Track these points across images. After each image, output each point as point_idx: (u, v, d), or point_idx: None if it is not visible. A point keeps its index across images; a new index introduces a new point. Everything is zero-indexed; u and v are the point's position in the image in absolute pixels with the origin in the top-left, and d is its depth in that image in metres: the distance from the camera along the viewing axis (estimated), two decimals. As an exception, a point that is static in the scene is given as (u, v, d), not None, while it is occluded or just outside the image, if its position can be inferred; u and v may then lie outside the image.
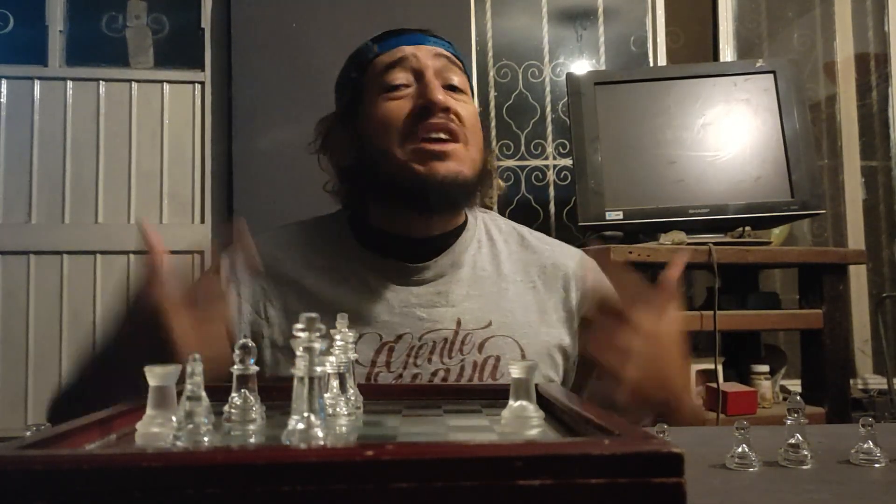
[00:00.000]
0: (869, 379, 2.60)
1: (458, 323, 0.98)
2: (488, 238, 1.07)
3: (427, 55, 0.98)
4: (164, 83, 2.38)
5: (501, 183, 1.11)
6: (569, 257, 1.08)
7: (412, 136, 0.94)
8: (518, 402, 0.53)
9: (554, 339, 1.01)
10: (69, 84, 2.33)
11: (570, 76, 2.16)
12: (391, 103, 0.96)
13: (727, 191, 2.02)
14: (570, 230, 2.55)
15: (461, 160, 0.95)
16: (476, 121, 1.00)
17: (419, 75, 0.96)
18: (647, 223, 1.98)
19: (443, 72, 0.98)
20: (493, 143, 2.59)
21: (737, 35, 2.71)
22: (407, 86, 0.96)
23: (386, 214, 1.01)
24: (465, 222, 1.06)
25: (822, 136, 2.74)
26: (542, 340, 1.00)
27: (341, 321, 0.64)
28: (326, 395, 0.57)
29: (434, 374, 0.96)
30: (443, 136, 0.94)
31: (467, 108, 0.98)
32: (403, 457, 0.37)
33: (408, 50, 0.98)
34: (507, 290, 1.02)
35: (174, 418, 0.48)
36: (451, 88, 0.98)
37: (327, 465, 0.37)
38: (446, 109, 0.94)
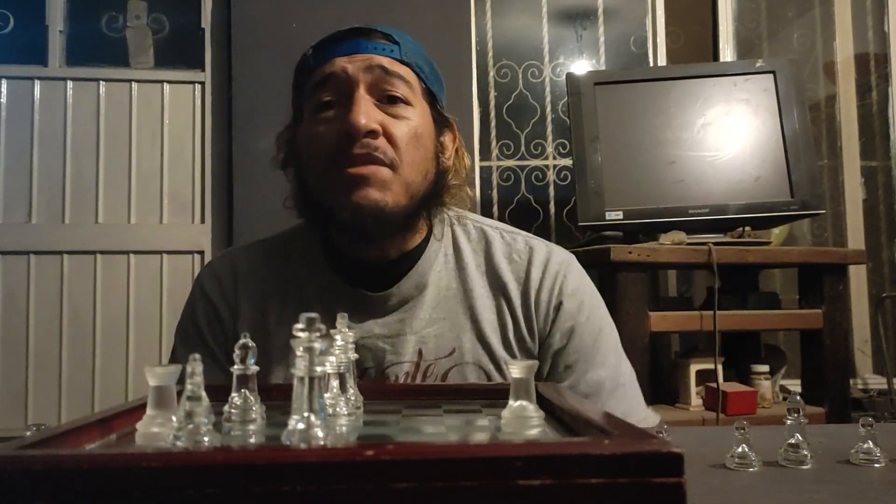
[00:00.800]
0: (869, 379, 2.60)
1: (420, 354, 0.95)
2: (455, 250, 1.01)
3: (360, 67, 0.89)
4: (164, 83, 2.38)
5: (470, 191, 1.01)
6: (538, 264, 0.99)
7: (337, 164, 0.88)
8: (518, 402, 0.53)
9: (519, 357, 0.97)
10: (69, 84, 2.33)
11: (570, 76, 2.16)
12: (320, 126, 0.91)
13: (727, 191, 2.02)
14: (570, 230, 2.55)
15: (385, 187, 0.88)
16: (419, 137, 0.91)
17: (349, 93, 0.89)
18: (647, 223, 1.98)
19: (379, 84, 0.89)
20: (494, 142, 2.59)
21: (737, 35, 2.71)
22: (338, 103, 0.90)
23: (341, 237, 0.97)
24: (430, 235, 1.00)
25: (822, 136, 2.74)
26: (503, 366, 0.96)
27: (341, 321, 0.64)
28: (326, 395, 0.57)
29: None
30: (367, 164, 0.88)
31: (406, 125, 0.90)
32: (403, 457, 0.37)
33: (338, 64, 0.90)
34: (473, 308, 0.97)
35: (174, 418, 0.48)
36: (391, 100, 0.90)
37: (327, 465, 0.37)
38: (372, 132, 0.87)
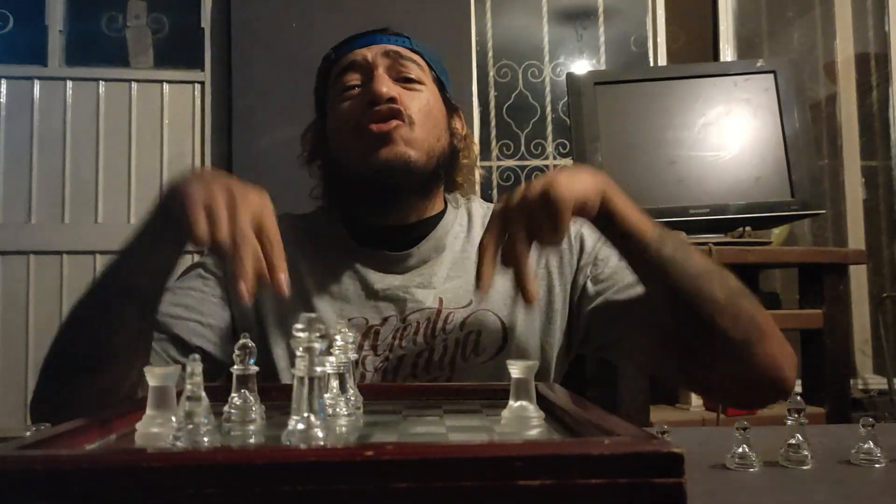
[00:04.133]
0: (869, 379, 2.60)
1: (441, 302, 1.01)
2: (469, 222, 1.09)
3: (377, 53, 1.01)
4: (164, 83, 2.38)
5: (478, 175, 1.11)
6: None
7: (362, 123, 0.97)
8: (518, 402, 0.53)
9: (534, 314, 1.02)
10: (69, 84, 2.33)
11: (570, 76, 2.16)
12: (345, 103, 1.01)
13: (727, 191, 2.02)
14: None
15: (407, 142, 0.97)
16: (432, 109, 1.02)
17: (369, 74, 1.00)
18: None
19: (395, 66, 1.01)
20: (494, 142, 2.59)
21: (737, 35, 2.71)
22: (360, 85, 1.01)
23: (363, 207, 1.05)
24: (446, 209, 1.09)
25: (823, 136, 2.73)
26: (522, 316, 1.02)
27: (341, 321, 0.64)
28: (326, 396, 0.57)
29: (419, 354, 0.99)
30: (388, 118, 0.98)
31: (420, 97, 1.01)
32: (403, 457, 0.37)
33: (359, 52, 1.02)
34: None
35: (174, 418, 0.48)
36: (406, 80, 1.01)
37: (327, 465, 0.37)
38: (391, 99, 0.96)
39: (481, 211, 1.11)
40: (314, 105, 1.11)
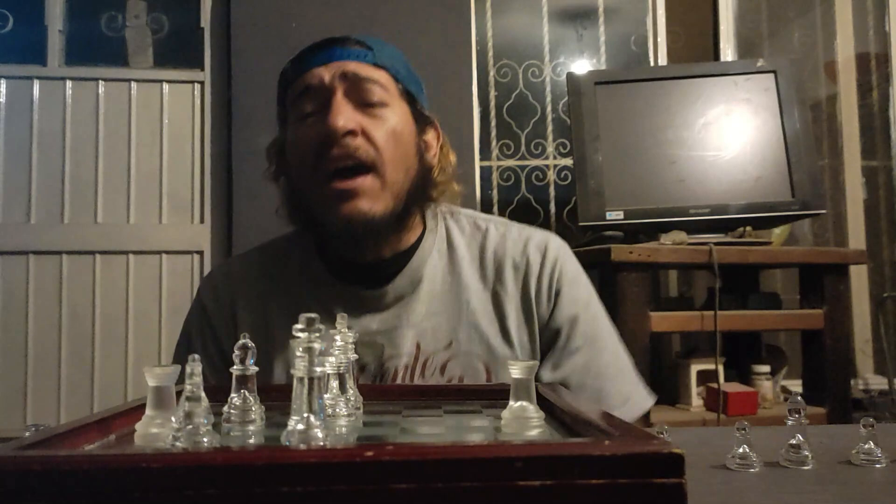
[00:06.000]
0: (870, 379, 2.60)
1: (418, 347, 0.96)
2: (448, 245, 1.03)
3: (335, 75, 0.92)
4: (164, 83, 2.37)
5: (458, 186, 1.03)
6: (533, 250, 1.02)
7: (320, 171, 0.90)
8: (518, 403, 0.53)
9: (517, 351, 0.98)
10: (68, 84, 2.33)
11: (570, 76, 2.16)
12: (300, 133, 0.93)
13: (728, 191, 2.02)
14: (570, 230, 2.55)
15: (372, 195, 0.90)
16: (399, 134, 0.93)
17: (327, 99, 0.91)
18: (647, 223, 1.98)
19: (355, 88, 0.92)
20: (494, 142, 2.59)
21: (737, 35, 2.71)
22: (317, 112, 0.92)
23: (334, 243, 1.00)
24: (424, 232, 1.02)
25: (823, 136, 2.73)
26: (505, 353, 0.98)
27: (341, 321, 0.63)
28: (326, 396, 0.57)
29: None
30: (350, 163, 0.89)
31: (384, 124, 0.92)
32: (403, 457, 0.37)
33: (316, 74, 0.92)
34: (468, 302, 0.99)
35: (173, 419, 0.48)
36: (368, 103, 0.92)
37: (327, 465, 0.37)
38: (351, 133, 0.89)
39: (466, 230, 1.04)
40: (276, 118, 1.03)
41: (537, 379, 0.97)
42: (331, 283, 1.00)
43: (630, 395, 0.99)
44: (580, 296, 1.01)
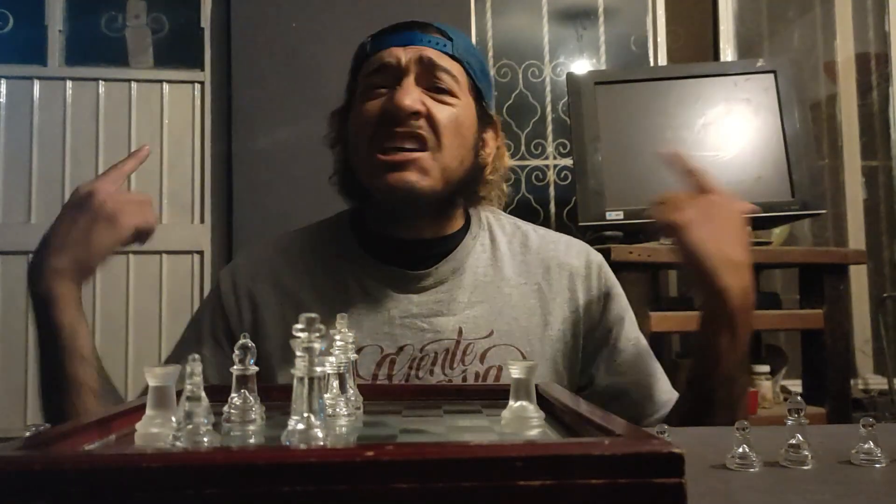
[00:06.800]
0: (870, 379, 2.60)
1: (460, 332, 0.97)
2: (491, 240, 1.05)
3: (411, 58, 0.95)
4: (164, 83, 2.38)
5: (505, 188, 1.07)
6: (574, 255, 1.06)
7: (376, 143, 0.93)
8: (518, 403, 0.53)
9: (558, 345, 1.00)
10: (69, 84, 2.33)
11: (570, 76, 2.16)
12: (367, 105, 0.95)
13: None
14: (570, 230, 2.55)
15: (423, 169, 0.92)
16: (460, 125, 0.95)
17: (399, 79, 0.94)
18: (647, 223, 1.98)
19: (428, 74, 0.95)
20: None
21: (737, 35, 2.71)
22: (388, 88, 0.95)
23: (377, 216, 1.02)
24: (468, 224, 1.05)
25: (823, 136, 2.73)
26: (546, 348, 0.99)
27: (341, 321, 0.64)
28: (326, 396, 0.57)
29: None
30: (407, 145, 0.92)
31: (449, 111, 0.94)
32: (403, 457, 0.37)
33: (394, 53, 0.95)
34: (510, 296, 1.01)
35: (174, 418, 0.48)
36: (437, 90, 0.95)
37: (327, 465, 0.37)
38: (415, 114, 0.91)
39: (507, 229, 1.07)
40: (345, 88, 1.05)
41: (591, 379, 1.01)
42: (371, 262, 1.01)
43: (672, 396, 1.02)
44: (624, 302, 1.06)
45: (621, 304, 1.05)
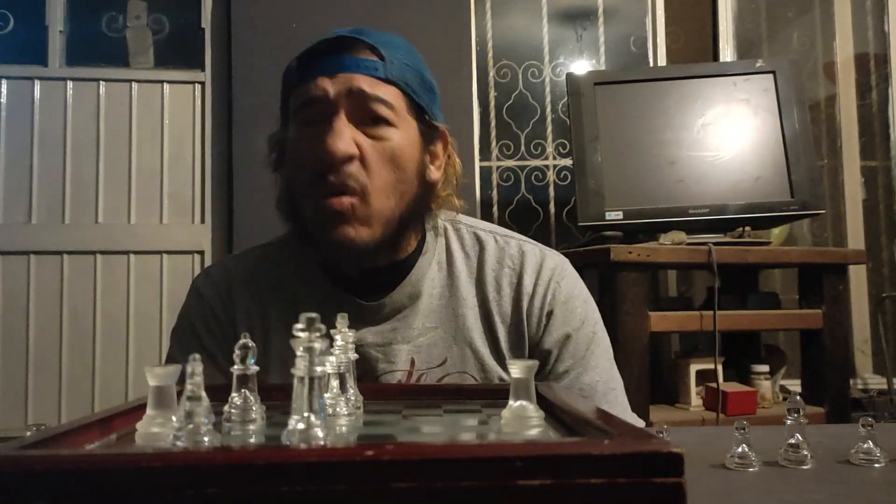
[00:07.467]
0: (869, 379, 2.60)
1: (412, 363, 0.96)
2: (448, 258, 1.01)
3: (341, 92, 0.88)
4: (164, 83, 2.38)
5: (459, 201, 1.01)
6: (529, 272, 1.00)
7: (316, 188, 0.89)
8: (518, 402, 0.53)
9: (504, 368, 0.97)
10: (69, 84, 2.33)
11: (570, 76, 2.16)
12: (300, 144, 0.91)
13: (727, 191, 2.02)
14: (570, 230, 2.55)
15: (361, 220, 0.88)
16: (398, 156, 0.90)
17: (329, 116, 0.88)
18: (647, 223, 1.98)
19: (360, 107, 0.88)
20: (494, 142, 2.59)
21: (737, 35, 2.71)
22: (320, 122, 0.89)
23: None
24: (423, 242, 1.00)
25: (822, 136, 2.74)
26: (497, 372, 0.97)
27: (341, 321, 0.64)
28: (326, 395, 0.57)
29: None
30: (347, 188, 0.88)
31: (383, 147, 0.89)
32: (403, 457, 0.37)
33: (321, 86, 0.88)
34: (465, 317, 0.98)
35: (174, 418, 0.48)
36: (373, 121, 0.89)
37: (327, 465, 0.37)
38: (349, 158, 0.87)
39: (466, 241, 1.02)
40: (279, 108, 1.00)
41: None
42: (327, 289, 0.99)
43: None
44: (573, 316, 0.99)
45: (568, 318, 0.99)
